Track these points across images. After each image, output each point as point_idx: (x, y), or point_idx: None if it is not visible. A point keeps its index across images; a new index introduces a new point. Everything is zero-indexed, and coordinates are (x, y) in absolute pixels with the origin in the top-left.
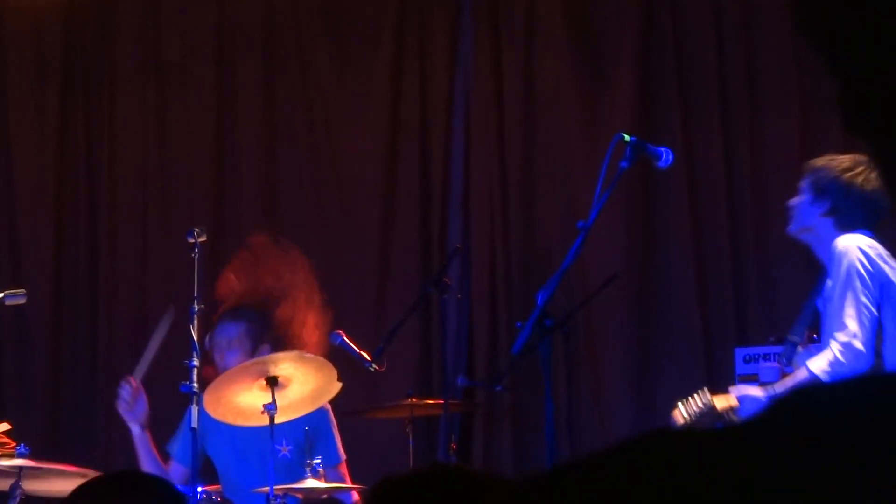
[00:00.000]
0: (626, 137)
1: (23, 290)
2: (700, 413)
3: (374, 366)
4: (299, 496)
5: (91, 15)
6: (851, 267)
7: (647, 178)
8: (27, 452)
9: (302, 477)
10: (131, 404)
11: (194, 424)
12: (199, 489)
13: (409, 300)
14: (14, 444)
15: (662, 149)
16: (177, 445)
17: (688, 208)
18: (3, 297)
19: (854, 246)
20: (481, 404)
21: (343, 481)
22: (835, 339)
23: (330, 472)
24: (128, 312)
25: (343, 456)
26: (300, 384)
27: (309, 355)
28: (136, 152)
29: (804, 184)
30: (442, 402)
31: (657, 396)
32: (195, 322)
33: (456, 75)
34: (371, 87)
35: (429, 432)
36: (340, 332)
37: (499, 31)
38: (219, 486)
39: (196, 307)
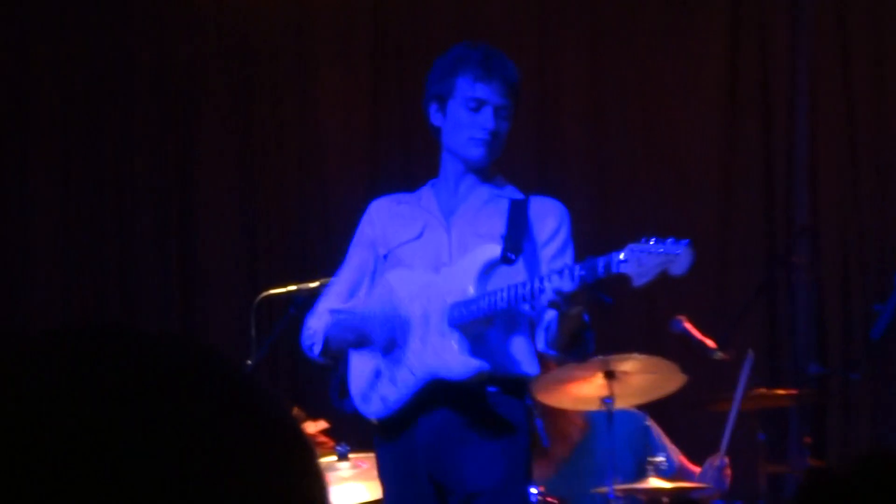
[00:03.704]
0: None
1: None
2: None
3: (719, 354)
4: (642, 497)
5: None
6: None
7: None
8: (346, 452)
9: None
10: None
11: None
12: (534, 490)
13: (752, 282)
14: (332, 442)
15: None
16: None
17: None
18: (319, 285)
19: None
20: (836, 394)
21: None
22: None
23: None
24: None
25: (677, 461)
26: (640, 377)
27: (652, 358)
28: None
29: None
30: (793, 392)
31: None
32: None
33: (797, 45)
34: (706, 56)
35: (779, 425)
36: (682, 317)
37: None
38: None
39: None
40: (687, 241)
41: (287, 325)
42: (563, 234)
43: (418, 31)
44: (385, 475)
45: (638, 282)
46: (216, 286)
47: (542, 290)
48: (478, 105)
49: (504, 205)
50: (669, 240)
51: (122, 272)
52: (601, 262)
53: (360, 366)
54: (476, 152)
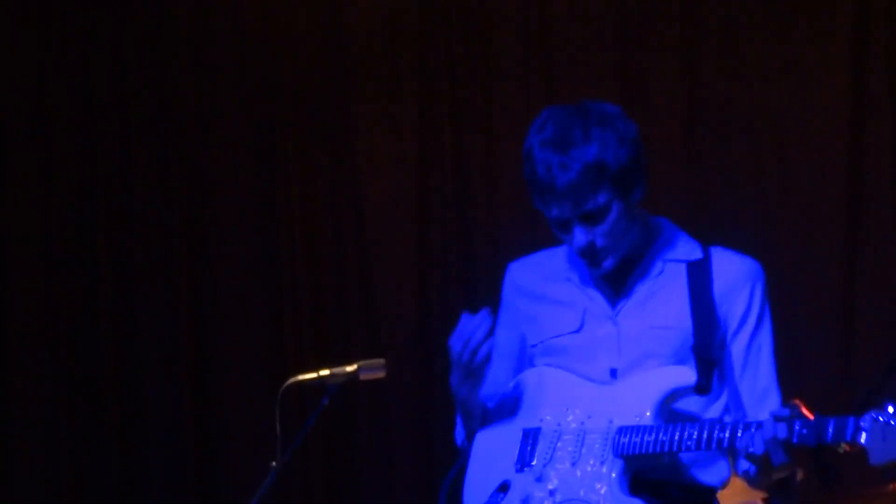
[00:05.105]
0: None
1: (381, 361)
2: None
3: (843, 445)
4: None
5: None
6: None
7: None
8: None
9: None
10: None
11: None
12: None
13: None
14: None
15: None
16: None
17: None
18: (356, 370)
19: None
20: None
21: None
22: None
23: None
24: None
25: None
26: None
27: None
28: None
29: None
30: None
31: None
32: None
33: None
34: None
35: None
36: (797, 401)
37: None
38: None
39: None
40: None
41: (319, 418)
42: (753, 318)
43: (473, 50)
44: None
45: (876, 460)
46: (233, 370)
47: (744, 440)
48: (561, 224)
49: (681, 275)
50: None
51: (121, 332)
52: (830, 427)
53: (483, 471)
54: (593, 269)
